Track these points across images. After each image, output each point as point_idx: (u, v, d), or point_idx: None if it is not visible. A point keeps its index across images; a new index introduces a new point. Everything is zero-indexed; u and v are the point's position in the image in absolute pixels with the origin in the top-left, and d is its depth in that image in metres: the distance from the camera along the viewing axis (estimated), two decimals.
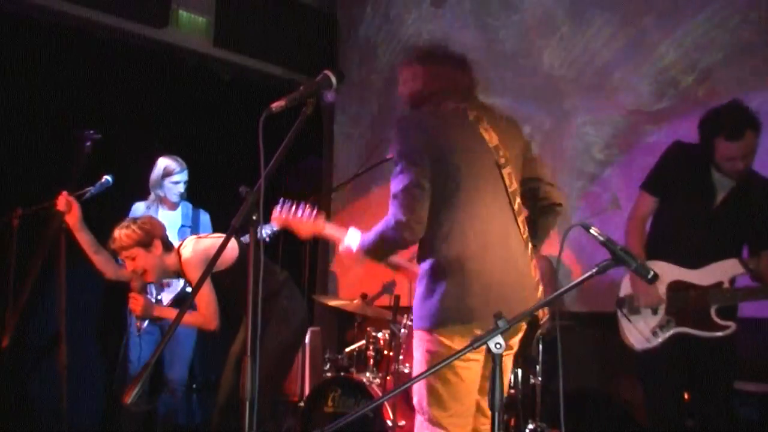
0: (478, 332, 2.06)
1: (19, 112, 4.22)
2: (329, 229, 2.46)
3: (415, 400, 2.24)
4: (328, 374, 3.92)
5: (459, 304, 2.11)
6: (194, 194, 4.17)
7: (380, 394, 3.49)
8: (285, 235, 5.09)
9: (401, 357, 3.55)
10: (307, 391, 4.04)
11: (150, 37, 4.88)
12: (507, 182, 2.25)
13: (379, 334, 3.82)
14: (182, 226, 4.09)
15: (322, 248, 5.83)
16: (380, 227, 2.19)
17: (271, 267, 3.41)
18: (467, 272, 2.12)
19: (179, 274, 3.31)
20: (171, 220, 4.05)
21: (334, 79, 1.92)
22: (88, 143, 3.18)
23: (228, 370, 3.33)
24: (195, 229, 4.11)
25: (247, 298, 1.67)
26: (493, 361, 1.63)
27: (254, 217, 1.74)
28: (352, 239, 2.33)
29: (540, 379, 3.62)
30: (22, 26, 4.27)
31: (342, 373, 3.84)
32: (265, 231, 3.85)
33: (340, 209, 5.80)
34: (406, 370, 3.52)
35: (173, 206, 4.10)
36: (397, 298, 3.94)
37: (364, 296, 4.10)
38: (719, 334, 3.00)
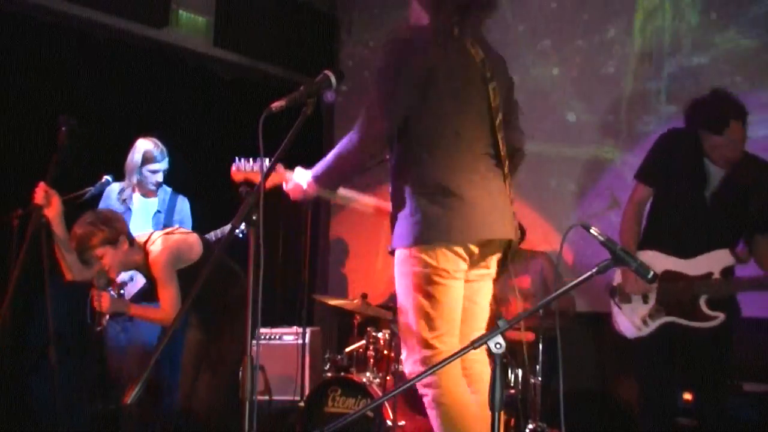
0: (461, 252, 2.15)
1: (19, 112, 4.21)
2: (286, 175, 2.41)
3: (403, 340, 2.30)
4: (328, 374, 3.92)
5: (441, 222, 2.14)
6: (194, 194, 4.16)
7: (380, 394, 3.48)
8: (284, 236, 5.11)
9: (401, 357, 3.55)
10: (307, 391, 4.03)
11: (150, 37, 4.88)
12: (491, 97, 2.26)
13: (379, 334, 3.82)
14: (157, 211, 3.92)
15: (322, 248, 5.83)
16: (339, 148, 2.23)
17: (234, 270, 3.34)
18: (450, 195, 2.15)
19: (144, 269, 3.22)
20: (147, 205, 3.93)
21: (334, 79, 1.93)
22: (63, 129, 2.97)
23: (186, 372, 3.29)
24: (170, 215, 3.91)
25: (247, 298, 1.68)
26: (493, 362, 1.62)
27: (254, 218, 1.75)
28: (300, 177, 2.34)
29: (540, 379, 3.62)
30: (21, 26, 4.27)
31: (342, 373, 3.83)
32: (239, 228, 3.74)
33: (340, 209, 5.79)
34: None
35: (150, 194, 3.92)
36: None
37: (364, 296, 4.10)
38: (707, 324, 2.99)
